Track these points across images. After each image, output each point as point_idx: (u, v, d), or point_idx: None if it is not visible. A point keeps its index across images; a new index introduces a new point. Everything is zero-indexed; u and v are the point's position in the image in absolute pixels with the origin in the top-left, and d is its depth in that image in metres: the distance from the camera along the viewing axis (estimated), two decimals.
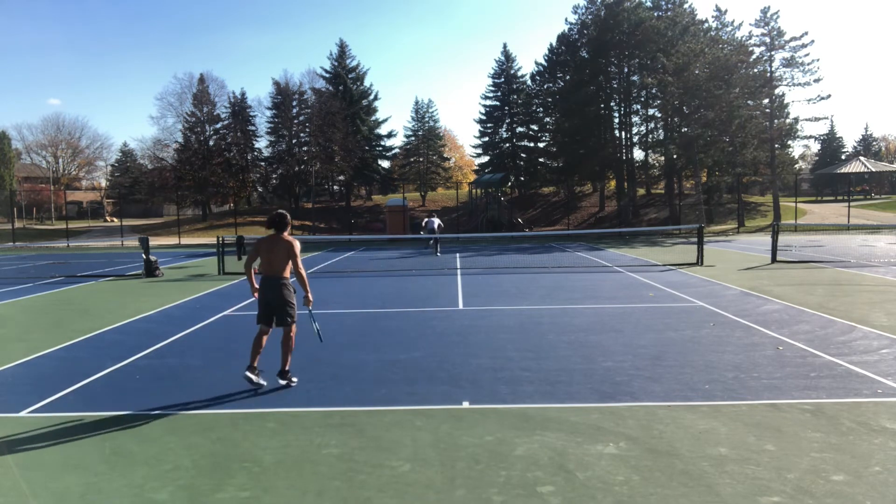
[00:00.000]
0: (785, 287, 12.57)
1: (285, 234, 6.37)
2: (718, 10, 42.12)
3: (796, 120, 40.71)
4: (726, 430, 4.85)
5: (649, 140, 47.81)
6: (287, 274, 6.26)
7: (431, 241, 24.21)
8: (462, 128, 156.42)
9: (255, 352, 6.22)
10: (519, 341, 8.06)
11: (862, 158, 58.06)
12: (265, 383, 6.15)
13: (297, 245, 6.28)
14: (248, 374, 6.09)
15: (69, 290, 14.39)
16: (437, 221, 23.40)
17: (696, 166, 37.95)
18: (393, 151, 62.21)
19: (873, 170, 56.33)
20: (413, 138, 62.15)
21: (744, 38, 39.17)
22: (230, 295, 13.04)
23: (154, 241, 29.19)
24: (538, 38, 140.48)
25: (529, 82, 55.56)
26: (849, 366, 6.62)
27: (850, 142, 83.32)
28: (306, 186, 53.45)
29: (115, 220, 61.01)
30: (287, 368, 6.24)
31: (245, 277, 6.49)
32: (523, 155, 56.39)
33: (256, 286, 6.36)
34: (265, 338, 6.29)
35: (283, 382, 6.14)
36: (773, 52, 38.39)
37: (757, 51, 38.18)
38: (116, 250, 30.74)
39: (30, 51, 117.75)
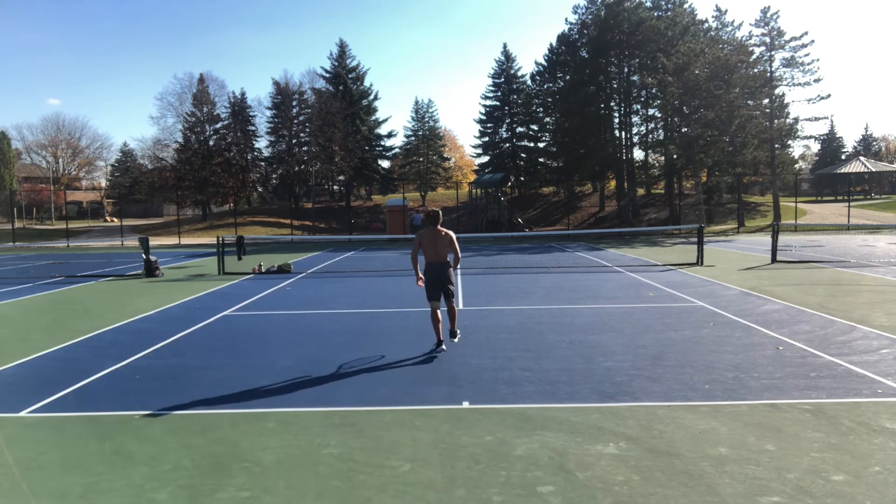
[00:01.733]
0: (785, 287, 12.57)
1: (439, 227, 7.77)
2: (718, 10, 42.22)
3: (796, 120, 40.76)
4: (726, 430, 4.85)
5: (649, 140, 47.80)
6: (449, 258, 7.75)
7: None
8: (462, 128, 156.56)
9: (437, 326, 7.69)
10: (519, 341, 8.06)
11: (862, 158, 58.05)
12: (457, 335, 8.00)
13: (454, 234, 7.79)
14: (441, 341, 7.65)
15: (69, 290, 14.39)
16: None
17: (696, 166, 37.94)
18: (393, 151, 62.25)
19: (873, 170, 56.33)
20: (413, 138, 62.13)
21: (744, 38, 39.21)
22: (230, 295, 13.03)
23: (154, 241, 29.19)
24: (538, 38, 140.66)
25: (529, 82, 55.55)
26: (849, 366, 6.62)
27: (850, 142, 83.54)
28: (306, 186, 53.43)
29: (115, 220, 61.00)
30: (454, 328, 7.96)
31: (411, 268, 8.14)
32: (523, 155, 56.38)
33: (421, 275, 7.82)
34: (438, 311, 7.71)
35: (454, 340, 7.85)
36: (773, 52, 38.44)
37: (757, 51, 38.23)
38: (116, 250, 30.74)
39: (30, 51, 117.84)
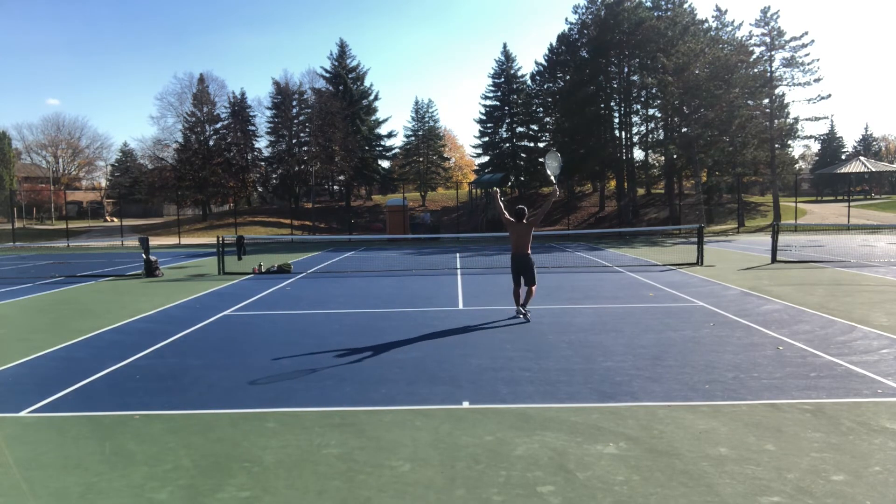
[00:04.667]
0: (785, 287, 12.57)
1: (524, 220, 9.73)
2: (718, 9, 42.18)
3: (796, 120, 40.71)
4: (726, 430, 4.85)
5: (649, 140, 47.76)
6: (530, 250, 9.63)
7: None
8: (462, 128, 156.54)
9: (517, 298, 9.64)
10: (519, 341, 8.06)
11: (862, 158, 58.05)
12: (526, 316, 9.39)
13: (534, 220, 9.79)
14: (520, 308, 9.47)
15: (69, 290, 14.39)
16: (428, 216, 31.97)
17: (696, 166, 37.94)
18: (393, 151, 62.22)
19: (873, 170, 56.33)
20: (413, 138, 62.14)
21: (744, 38, 39.18)
22: (230, 295, 13.04)
23: (154, 241, 29.20)
24: (538, 38, 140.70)
25: (529, 82, 55.51)
26: (849, 366, 6.62)
27: (850, 142, 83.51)
28: (306, 186, 53.46)
29: (115, 220, 61.02)
30: (528, 306, 9.57)
31: None
32: (523, 155, 56.33)
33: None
34: (519, 289, 9.70)
35: (523, 311, 9.40)
36: (773, 52, 38.40)
37: (757, 51, 38.19)
38: (116, 250, 30.74)
39: (30, 51, 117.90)
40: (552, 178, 10.57)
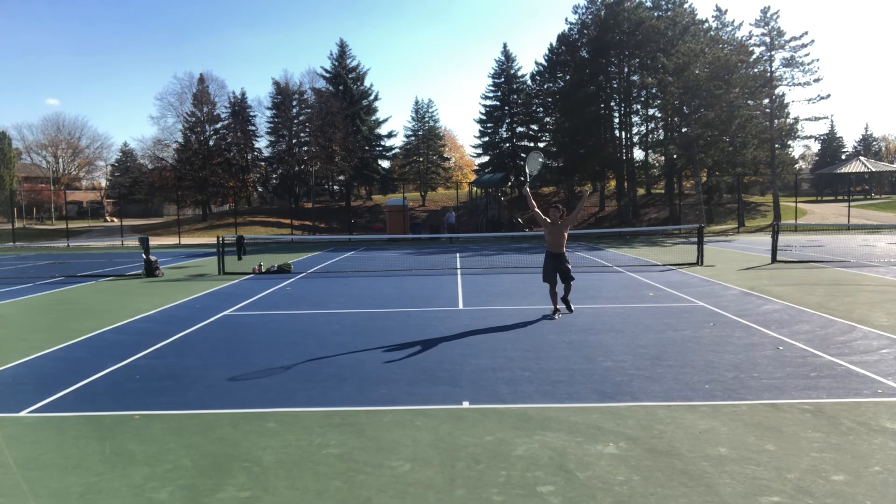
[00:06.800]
0: (785, 287, 12.56)
1: (559, 221, 9.97)
2: (718, 10, 42.17)
3: (796, 120, 40.71)
4: (726, 430, 4.85)
5: (649, 140, 47.75)
6: (565, 249, 9.92)
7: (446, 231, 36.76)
8: (462, 128, 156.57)
9: (554, 299, 9.80)
10: (519, 341, 8.06)
11: (862, 158, 58.05)
12: (570, 307, 9.90)
13: (568, 226, 10.01)
14: (554, 315, 9.60)
15: (69, 290, 14.39)
16: (454, 215, 33.08)
17: (696, 166, 37.93)
18: (393, 151, 62.21)
19: (873, 170, 56.32)
20: (413, 138, 62.12)
21: (744, 38, 39.17)
22: (230, 295, 13.04)
23: (154, 241, 29.18)
24: (538, 38, 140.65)
25: (529, 82, 55.47)
26: (849, 366, 6.62)
27: (850, 142, 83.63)
28: (306, 186, 53.43)
29: (115, 220, 61.02)
30: (568, 300, 9.95)
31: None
32: (523, 155, 56.26)
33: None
34: (555, 287, 9.81)
35: (558, 308, 9.77)
36: (773, 52, 38.39)
37: (757, 51, 38.19)
38: (116, 250, 30.74)
39: (30, 51, 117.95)
40: (527, 176, 10.77)
